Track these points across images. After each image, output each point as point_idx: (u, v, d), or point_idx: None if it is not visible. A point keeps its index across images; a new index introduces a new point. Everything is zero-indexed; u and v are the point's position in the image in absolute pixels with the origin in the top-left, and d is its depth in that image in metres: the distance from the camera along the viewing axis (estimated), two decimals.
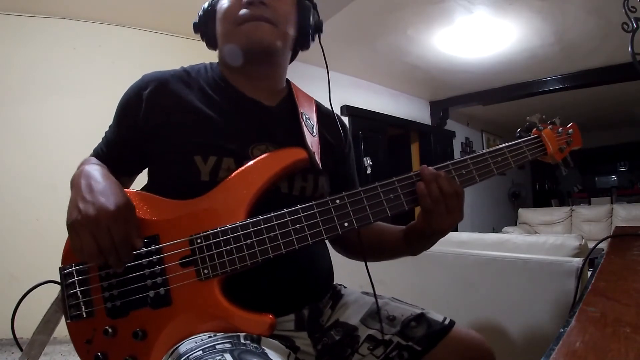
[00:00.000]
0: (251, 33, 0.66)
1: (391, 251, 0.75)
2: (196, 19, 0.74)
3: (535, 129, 0.78)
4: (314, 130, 0.74)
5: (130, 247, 0.56)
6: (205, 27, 0.73)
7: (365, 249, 0.73)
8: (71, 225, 0.55)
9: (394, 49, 3.28)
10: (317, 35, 0.76)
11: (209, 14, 0.72)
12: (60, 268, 0.61)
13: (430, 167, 0.63)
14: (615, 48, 3.07)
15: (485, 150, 0.69)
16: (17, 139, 2.35)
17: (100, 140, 0.75)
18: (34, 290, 0.67)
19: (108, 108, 0.74)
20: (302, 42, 0.75)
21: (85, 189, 0.58)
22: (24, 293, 0.66)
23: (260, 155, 0.63)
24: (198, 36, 0.75)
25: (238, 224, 0.58)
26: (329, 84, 0.76)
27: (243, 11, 0.65)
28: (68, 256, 0.61)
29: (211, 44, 0.75)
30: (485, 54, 3.43)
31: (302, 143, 0.67)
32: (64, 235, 0.61)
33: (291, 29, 0.71)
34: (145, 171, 0.72)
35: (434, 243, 0.67)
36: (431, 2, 2.57)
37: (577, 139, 0.81)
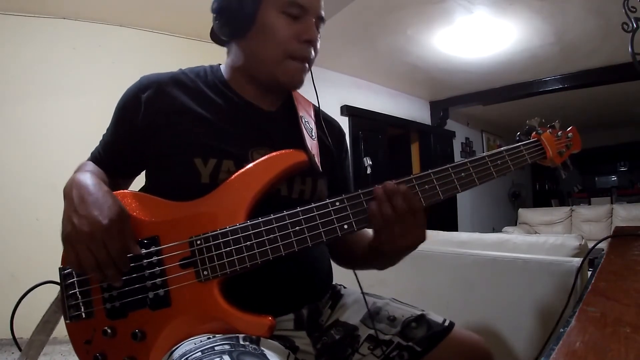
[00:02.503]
0: (297, 75, 0.67)
1: (364, 263, 0.72)
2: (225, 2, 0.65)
3: (534, 133, 0.78)
4: (313, 134, 0.74)
5: (127, 258, 0.57)
6: (240, 19, 0.65)
7: (358, 254, 0.73)
8: (66, 240, 0.56)
9: (394, 49, 3.28)
10: None
11: (251, 9, 0.64)
12: (60, 268, 0.61)
13: (391, 182, 0.58)
14: (615, 48, 3.07)
15: (485, 154, 0.68)
16: (17, 139, 2.36)
17: (98, 143, 0.75)
18: (34, 290, 0.67)
19: (108, 108, 0.73)
20: None
21: (77, 201, 0.57)
22: (23, 293, 0.66)
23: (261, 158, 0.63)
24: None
25: (238, 225, 0.58)
26: (317, 100, 0.78)
27: (299, 47, 0.65)
28: None
29: (231, 35, 0.68)
30: (485, 54, 3.43)
31: (302, 146, 0.67)
32: None
33: None
34: (143, 172, 0.72)
35: (400, 259, 0.64)
36: (431, 2, 2.57)
37: (577, 142, 0.81)
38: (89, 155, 0.75)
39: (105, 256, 0.54)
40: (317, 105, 0.80)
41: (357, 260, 0.74)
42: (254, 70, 0.69)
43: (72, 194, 0.59)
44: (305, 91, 0.81)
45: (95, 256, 0.54)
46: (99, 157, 0.73)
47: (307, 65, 0.68)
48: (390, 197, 0.57)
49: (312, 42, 0.66)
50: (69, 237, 0.55)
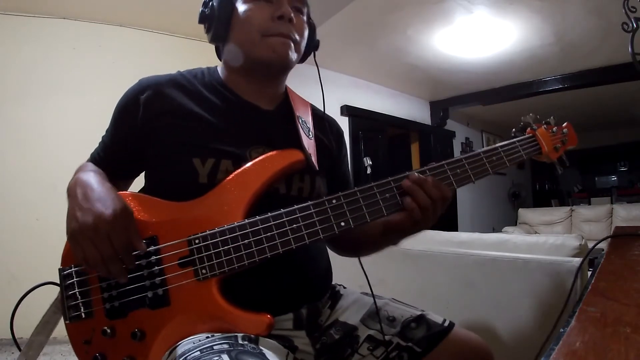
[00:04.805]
0: (279, 48, 0.66)
1: (372, 245, 0.76)
2: (206, 9, 0.70)
3: (529, 129, 0.79)
4: (310, 133, 0.75)
5: (132, 253, 0.57)
6: (218, 21, 0.68)
7: (360, 246, 0.74)
8: (71, 235, 0.56)
9: (394, 49, 3.28)
10: (313, 53, 0.79)
11: (225, 10, 0.68)
12: (59, 269, 0.62)
13: (415, 173, 0.63)
14: (615, 48, 3.07)
15: (480, 150, 0.69)
16: (17, 139, 2.36)
17: (97, 143, 0.75)
18: (34, 290, 0.67)
19: (108, 108, 0.73)
20: (302, 58, 0.77)
21: (81, 197, 0.58)
22: (23, 294, 0.66)
23: (258, 157, 0.64)
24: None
25: (236, 224, 0.58)
26: (323, 100, 0.79)
27: (273, 25, 0.66)
28: (68, 257, 0.62)
29: (217, 39, 0.71)
30: (485, 54, 3.43)
31: (298, 145, 0.68)
32: (64, 235, 0.61)
33: (303, 47, 0.73)
34: (143, 174, 0.72)
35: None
36: (431, 2, 2.57)
37: (572, 138, 0.82)
38: (88, 155, 0.76)
39: (110, 250, 0.54)
40: (323, 105, 0.79)
41: (370, 246, 0.76)
42: (242, 62, 0.70)
43: (76, 191, 0.60)
44: (308, 91, 0.81)
45: (100, 251, 0.54)
46: (98, 159, 0.73)
47: (288, 40, 0.67)
48: (422, 186, 0.61)
49: (284, 18, 0.66)
50: (73, 233, 0.55)
